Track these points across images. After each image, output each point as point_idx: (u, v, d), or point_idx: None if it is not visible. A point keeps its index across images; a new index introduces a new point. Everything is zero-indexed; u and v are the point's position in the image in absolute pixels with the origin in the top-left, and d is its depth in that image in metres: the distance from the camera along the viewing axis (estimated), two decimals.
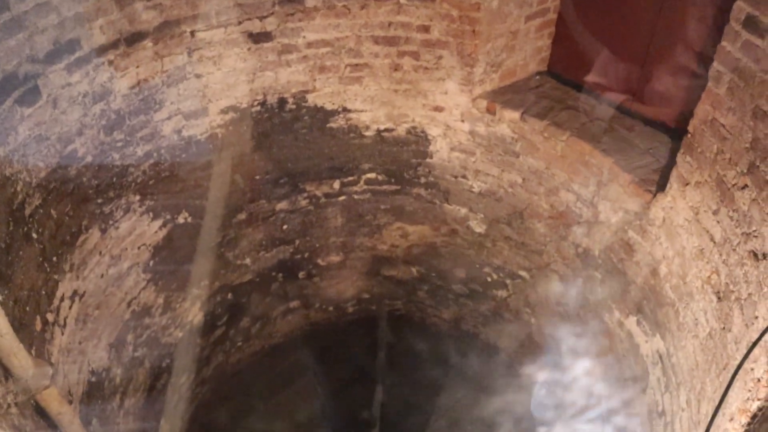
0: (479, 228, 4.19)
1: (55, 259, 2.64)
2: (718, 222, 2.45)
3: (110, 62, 2.76)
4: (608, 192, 3.23)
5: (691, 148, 2.64)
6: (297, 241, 4.39)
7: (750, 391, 1.86)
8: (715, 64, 2.45)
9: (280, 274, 4.53)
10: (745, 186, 2.27)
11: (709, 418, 2.10)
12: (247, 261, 4.22)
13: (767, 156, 2.13)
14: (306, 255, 4.51)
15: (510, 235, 4.04)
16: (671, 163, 2.85)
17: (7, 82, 2.29)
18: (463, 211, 4.19)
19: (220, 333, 4.34)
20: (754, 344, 1.84)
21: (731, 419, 1.91)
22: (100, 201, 2.95)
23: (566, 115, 3.49)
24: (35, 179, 2.49)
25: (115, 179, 3.02)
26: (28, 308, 2.37)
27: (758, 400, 1.75)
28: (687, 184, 2.68)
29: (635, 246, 3.13)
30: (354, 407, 4.80)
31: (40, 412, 2.19)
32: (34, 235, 2.48)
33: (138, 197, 3.21)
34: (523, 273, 4.15)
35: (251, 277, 4.35)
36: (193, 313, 3.97)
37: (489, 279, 4.41)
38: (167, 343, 3.77)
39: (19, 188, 2.38)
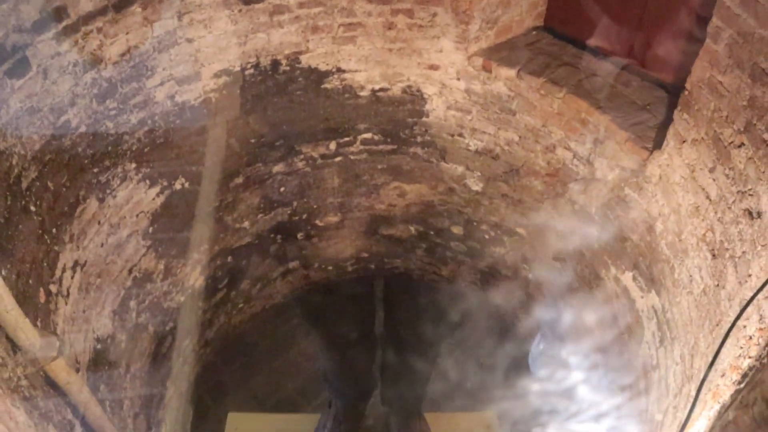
0: (476, 186, 4.20)
1: (54, 230, 2.65)
2: (714, 180, 2.46)
3: (99, 30, 2.71)
4: (605, 149, 3.23)
5: (688, 106, 2.63)
6: (295, 203, 4.40)
7: (741, 348, 1.91)
8: (713, 20, 2.41)
9: (279, 236, 4.55)
10: (742, 144, 2.27)
11: (702, 374, 2.16)
12: (246, 224, 4.24)
13: (764, 114, 2.12)
14: (304, 216, 4.53)
15: (507, 192, 4.05)
16: (668, 120, 2.84)
17: None
18: (460, 169, 4.19)
19: (221, 296, 4.40)
20: (748, 303, 1.88)
21: (723, 375, 1.96)
22: (96, 170, 2.94)
23: (563, 71, 3.45)
24: (30, 152, 2.48)
25: (110, 148, 3.01)
26: (30, 281, 2.39)
27: (749, 357, 1.79)
28: (684, 142, 2.68)
29: (631, 203, 3.14)
30: (356, 365, 4.89)
31: (50, 382, 2.24)
32: (33, 208, 2.48)
33: (134, 165, 3.20)
34: (520, 230, 4.18)
35: (250, 240, 4.38)
36: (194, 277, 4.01)
37: (486, 236, 4.45)
38: (169, 307, 3.81)
39: (14, 162, 2.37)
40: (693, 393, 2.27)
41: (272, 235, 4.51)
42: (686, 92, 2.65)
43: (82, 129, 2.79)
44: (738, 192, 2.28)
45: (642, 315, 3.12)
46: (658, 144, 2.90)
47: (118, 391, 3.20)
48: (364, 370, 4.95)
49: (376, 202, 4.59)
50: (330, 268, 5.06)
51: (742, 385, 1.73)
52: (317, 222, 4.63)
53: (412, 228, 4.79)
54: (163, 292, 3.75)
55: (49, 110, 2.57)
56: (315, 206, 4.50)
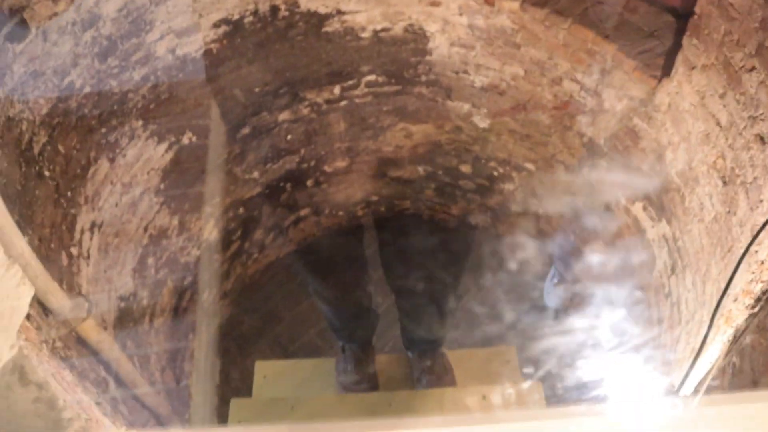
0: (483, 123, 4.17)
1: (69, 193, 2.68)
2: (724, 106, 2.45)
3: None
4: (612, 79, 3.19)
5: (697, 30, 2.59)
6: (302, 150, 4.40)
7: (753, 273, 1.94)
8: None
9: (289, 184, 4.57)
10: (753, 68, 2.24)
11: (714, 300, 2.21)
12: (255, 174, 4.26)
13: None
14: (312, 163, 4.53)
15: (514, 128, 4.03)
16: (677, 46, 2.80)
17: None
18: (466, 106, 4.15)
19: (235, 247, 4.46)
20: (762, 228, 1.90)
21: (735, 300, 2.01)
22: (104, 131, 2.94)
23: (567, 1, 3.37)
24: (38, 116, 2.48)
25: (115, 107, 3.00)
26: (52, 245, 2.44)
27: (761, 282, 1.83)
28: (693, 68, 2.65)
29: (640, 133, 3.13)
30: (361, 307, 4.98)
31: (81, 342, 2.32)
32: (47, 173, 2.51)
33: (141, 122, 3.20)
34: (528, 165, 4.18)
35: (260, 190, 4.40)
36: (208, 230, 4.06)
37: (495, 173, 4.46)
38: (186, 262, 3.88)
39: (24, 128, 2.38)
40: (705, 319, 2.33)
41: (282, 184, 4.53)
42: (695, 16, 2.60)
43: (87, 89, 2.78)
44: (749, 117, 2.27)
45: (653, 244, 3.16)
46: (666, 71, 2.87)
47: (144, 346, 3.31)
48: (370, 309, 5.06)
49: (383, 145, 4.58)
50: (341, 213, 5.10)
51: (756, 309, 1.77)
52: (325, 168, 4.64)
53: (420, 169, 4.79)
54: (179, 248, 3.81)
55: (52, 73, 2.55)
56: (322, 152, 4.50)
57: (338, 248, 5.19)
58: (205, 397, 3.72)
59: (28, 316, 1.76)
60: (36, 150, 2.46)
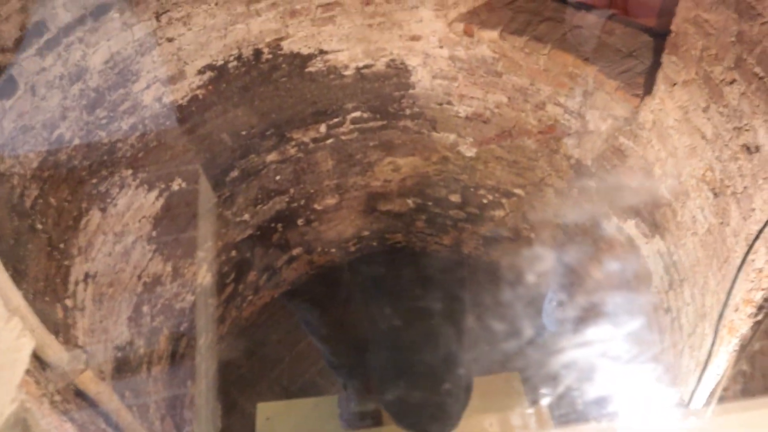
0: (469, 152, 4.21)
1: (62, 245, 2.66)
2: (708, 119, 2.49)
3: (80, 40, 2.68)
4: (595, 101, 3.24)
5: (675, 48, 2.65)
6: (291, 190, 4.41)
7: (752, 281, 1.95)
8: None
9: (280, 225, 4.57)
10: (734, 81, 2.30)
11: (715, 311, 2.21)
12: (246, 216, 4.25)
13: (754, 48, 2.15)
14: (302, 202, 4.54)
15: (501, 155, 4.08)
16: (656, 64, 2.86)
17: None
18: (452, 137, 4.20)
19: (230, 290, 4.42)
20: (757, 236, 1.92)
21: (737, 309, 2.01)
22: (94, 181, 2.93)
23: (545, 27, 3.45)
24: (29, 170, 2.47)
25: (105, 157, 2.99)
26: (47, 298, 2.40)
27: (762, 290, 1.84)
28: (674, 85, 2.70)
29: (627, 151, 3.17)
30: (373, 345, 4.90)
31: (80, 394, 2.26)
32: (39, 226, 2.48)
33: (130, 171, 3.19)
34: (518, 190, 4.21)
35: (252, 232, 4.39)
36: (202, 275, 4.02)
37: (485, 200, 4.48)
38: (181, 308, 3.84)
39: (15, 182, 2.37)
40: (708, 331, 2.33)
41: (273, 224, 4.52)
42: (673, 34, 2.66)
43: (76, 141, 2.78)
44: (734, 128, 2.31)
45: (648, 260, 3.17)
46: (648, 89, 2.92)
47: (143, 395, 3.24)
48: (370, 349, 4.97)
49: (371, 180, 4.61)
50: (333, 250, 5.09)
51: (759, 317, 1.78)
52: (315, 206, 4.64)
53: (409, 201, 4.81)
54: (173, 294, 3.77)
55: (41, 126, 2.55)
56: (312, 190, 4.51)
57: (331, 286, 5.16)
58: None
59: (27, 370, 1.72)
60: (28, 204, 2.44)
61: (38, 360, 1.99)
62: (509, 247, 4.66)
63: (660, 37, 2.99)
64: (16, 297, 1.71)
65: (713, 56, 2.38)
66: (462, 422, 3.76)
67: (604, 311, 3.72)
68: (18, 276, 2.21)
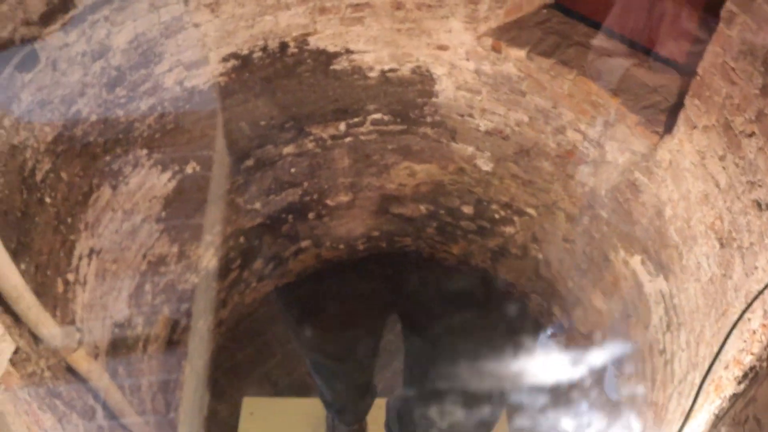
0: (486, 166, 4.19)
1: (69, 220, 2.70)
2: (723, 168, 2.45)
3: (106, 18, 2.71)
4: (615, 132, 3.21)
5: (699, 91, 2.60)
6: (305, 184, 4.43)
7: (745, 342, 1.92)
8: (727, 3, 2.37)
9: (290, 216, 4.59)
10: (753, 134, 2.25)
11: (706, 363, 2.18)
12: (258, 205, 4.28)
13: None
14: (315, 196, 4.56)
15: (517, 173, 4.05)
16: (680, 104, 2.82)
17: (5, 49, 2.27)
18: (470, 149, 4.18)
19: (234, 276, 4.46)
20: (756, 296, 1.89)
21: (726, 367, 1.99)
22: (108, 158, 2.97)
23: (574, 51, 3.41)
24: (43, 144, 2.51)
25: (121, 135, 3.03)
26: (49, 272, 2.45)
27: (751, 354, 1.81)
28: (694, 128, 2.66)
29: (641, 187, 3.14)
30: (370, 342, 4.88)
31: (71, 370, 2.31)
32: (48, 200, 2.52)
33: (145, 151, 3.23)
34: (530, 210, 4.19)
35: (262, 221, 4.42)
36: (207, 258, 4.07)
37: (497, 216, 4.46)
38: (184, 289, 3.88)
39: (28, 155, 2.41)
40: (697, 381, 2.30)
41: (284, 216, 4.54)
42: (698, 77, 2.62)
43: (93, 118, 2.81)
44: (747, 182, 2.27)
45: (650, 299, 3.14)
46: (668, 128, 2.88)
47: (137, 372, 3.29)
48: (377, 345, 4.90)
49: (386, 182, 4.60)
50: (341, 246, 5.11)
51: (742, 387, 1.75)
52: (328, 202, 4.66)
53: (422, 207, 4.80)
54: (177, 275, 3.82)
55: (59, 101, 2.59)
56: (326, 186, 4.52)
57: (337, 281, 5.13)
58: (192, 428, 3.69)
59: (12, 361, 1.75)
60: (39, 177, 2.48)
61: (32, 336, 2.04)
62: (515, 264, 4.64)
63: (687, 74, 2.94)
64: (15, 276, 1.75)
65: (735, 106, 2.34)
66: None
67: (599, 340, 3.69)
68: (22, 249, 2.25)
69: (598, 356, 3.66)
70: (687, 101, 2.69)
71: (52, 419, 1.96)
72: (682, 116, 2.74)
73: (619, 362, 3.44)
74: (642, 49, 3.34)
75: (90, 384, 2.47)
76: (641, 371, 3.16)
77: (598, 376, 3.61)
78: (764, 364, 1.69)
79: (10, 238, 2.21)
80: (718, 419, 1.74)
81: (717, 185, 2.49)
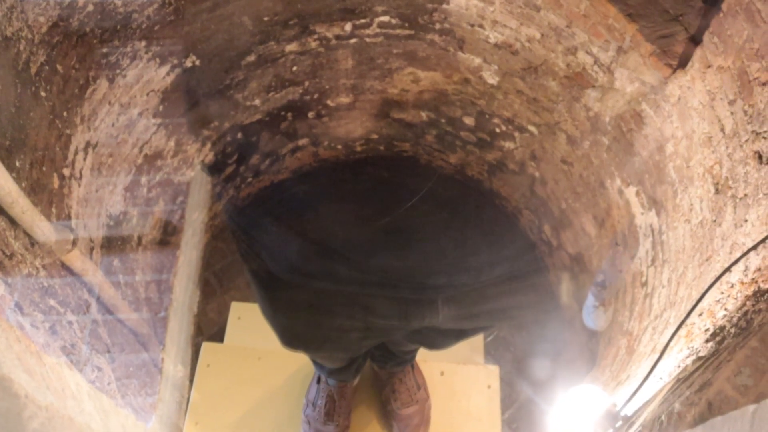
0: (492, 79, 4.09)
1: (65, 114, 2.67)
2: (731, 113, 2.41)
3: None
4: (627, 60, 3.11)
5: (720, 29, 2.51)
6: (306, 83, 4.33)
7: (722, 293, 1.99)
8: None
9: (290, 114, 4.53)
10: (767, 83, 2.20)
11: (683, 305, 2.26)
12: (257, 102, 4.21)
13: None
14: (315, 96, 4.47)
15: (522, 89, 3.97)
16: (698, 38, 2.72)
17: None
18: (477, 60, 4.06)
19: (230, 170, 4.47)
20: (744, 254, 1.92)
21: (700, 314, 2.06)
22: (105, 51, 2.88)
23: None
24: (38, 35, 2.43)
25: (119, 26, 2.92)
26: (44, 168, 2.45)
27: (725, 309, 1.87)
28: (709, 67, 2.59)
29: (646, 119, 3.09)
30: (360, 242, 4.98)
31: (65, 267, 2.37)
32: (43, 94, 2.48)
33: (144, 43, 3.13)
34: (531, 128, 4.14)
35: (260, 117, 4.36)
36: (204, 153, 4.06)
37: (497, 130, 4.41)
38: (180, 182, 3.90)
39: (21, 47, 2.33)
40: (672, 320, 2.40)
41: (283, 113, 4.48)
42: (721, 13, 2.51)
43: (90, 8, 2.70)
44: (752, 132, 2.25)
45: (639, 231, 3.19)
46: (682, 63, 2.80)
47: (131, 263, 3.38)
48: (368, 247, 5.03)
49: (389, 86, 4.51)
50: (339, 147, 5.08)
51: (711, 344, 1.82)
52: (328, 102, 4.58)
53: (423, 114, 4.73)
54: (173, 168, 3.82)
55: None
56: (327, 87, 4.42)
57: (333, 180, 5.14)
58: (182, 325, 3.84)
59: (11, 255, 1.79)
60: (33, 70, 2.42)
61: (28, 237, 2.07)
62: (512, 179, 4.65)
63: (713, 8, 2.82)
64: (8, 182, 1.75)
65: (755, 51, 2.27)
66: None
67: (586, 262, 3.79)
68: (16, 146, 2.24)
69: (584, 278, 3.77)
70: (706, 38, 2.60)
71: (45, 335, 2.03)
72: (698, 52, 2.65)
73: (600, 287, 3.55)
74: None
75: (83, 278, 2.54)
76: (621, 299, 3.27)
77: (580, 299, 3.73)
78: (732, 330, 1.76)
79: (4, 135, 2.19)
80: (680, 382, 1.83)
81: (722, 129, 2.46)
